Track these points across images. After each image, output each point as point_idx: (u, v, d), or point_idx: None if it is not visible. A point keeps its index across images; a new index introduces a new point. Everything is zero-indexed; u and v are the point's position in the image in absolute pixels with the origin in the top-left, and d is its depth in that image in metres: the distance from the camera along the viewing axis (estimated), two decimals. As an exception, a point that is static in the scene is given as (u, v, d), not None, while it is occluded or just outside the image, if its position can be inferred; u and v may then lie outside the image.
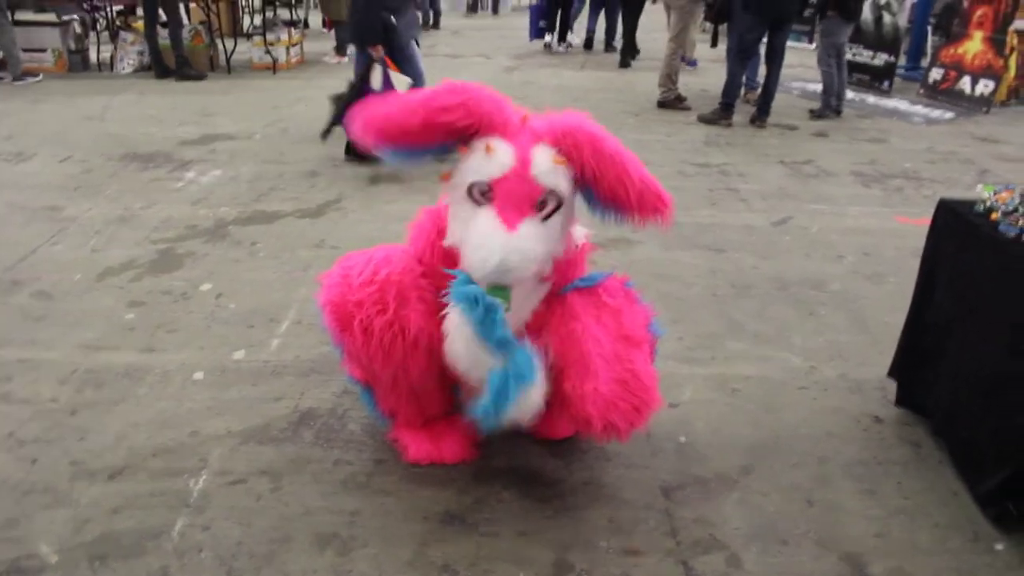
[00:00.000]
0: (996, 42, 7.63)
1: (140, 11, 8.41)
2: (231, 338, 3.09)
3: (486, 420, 1.96)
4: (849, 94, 7.59)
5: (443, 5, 13.80)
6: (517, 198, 1.92)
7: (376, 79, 4.87)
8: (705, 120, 6.83)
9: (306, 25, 11.71)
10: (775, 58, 6.59)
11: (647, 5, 9.68)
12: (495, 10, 16.42)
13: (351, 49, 7.53)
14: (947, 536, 2.17)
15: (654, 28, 10.45)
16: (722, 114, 6.76)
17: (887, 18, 8.23)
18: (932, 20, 9.27)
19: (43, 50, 8.43)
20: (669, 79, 7.32)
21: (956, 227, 2.48)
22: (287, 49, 9.10)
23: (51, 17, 8.56)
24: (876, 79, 8.43)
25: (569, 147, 1.93)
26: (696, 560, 2.06)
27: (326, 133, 5.40)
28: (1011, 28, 7.53)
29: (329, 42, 10.12)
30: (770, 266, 3.88)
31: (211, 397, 2.71)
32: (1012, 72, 7.68)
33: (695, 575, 2.02)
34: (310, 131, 5.91)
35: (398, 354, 2.09)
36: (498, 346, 1.91)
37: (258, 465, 2.37)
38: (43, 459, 2.38)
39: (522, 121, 2.01)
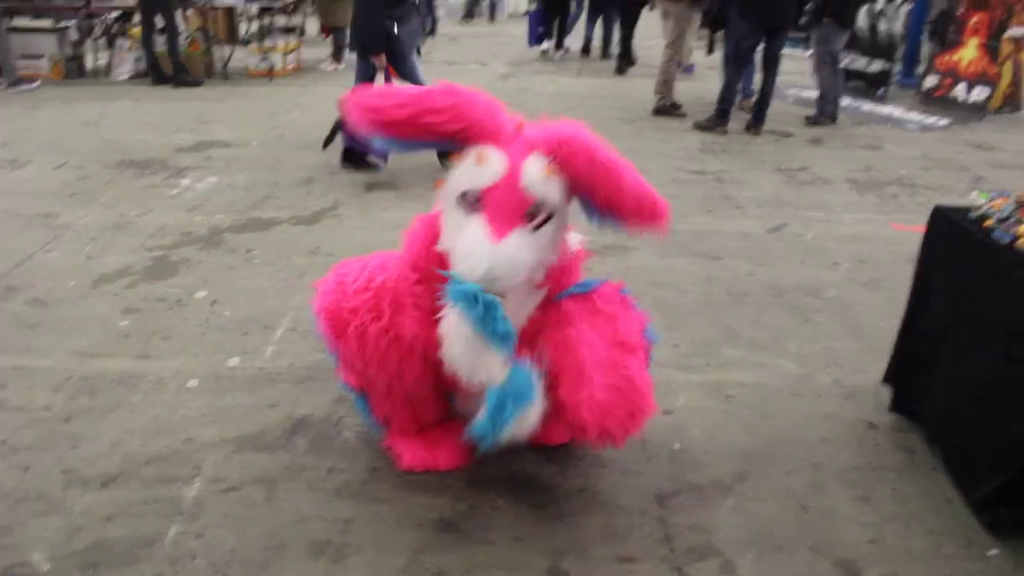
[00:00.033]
0: (991, 49, 7.68)
1: (137, 17, 8.43)
2: (226, 345, 3.09)
3: (484, 439, 1.96)
4: (844, 101, 7.62)
5: (440, 12, 13.84)
6: (507, 208, 1.92)
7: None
8: (701, 127, 6.84)
9: (303, 32, 11.72)
10: (771, 65, 6.61)
11: (644, 12, 9.72)
12: (492, 17, 16.49)
13: (348, 56, 7.55)
14: (941, 542, 2.17)
15: (650, 35, 10.48)
16: (718, 121, 6.78)
17: (882, 25, 8.27)
18: (927, 27, 9.32)
19: (39, 56, 8.43)
20: (665, 86, 7.34)
21: (951, 234, 2.49)
22: (283, 56, 9.12)
23: (48, 23, 8.56)
24: (871, 86, 8.47)
25: (564, 156, 1.92)
26: (691, 567, 2.06)
27: (327, 142, 5.42)
28: (1006, 35, 7.58)
29: (326, 49, 10.14)
30: (765, 273, 3.89)
31: (205, 404, 2.70)
32: (1007, 79, 7.71)
33: (690, 582, 2.02)
34: (306, 138, 5.93)
35: (393, 361, 2.09)
36: (501, 340, 1.91)
37: (252, 472, 2.36)
38: (36, 467, 2.37)
39: (517, 129, 2.01)
